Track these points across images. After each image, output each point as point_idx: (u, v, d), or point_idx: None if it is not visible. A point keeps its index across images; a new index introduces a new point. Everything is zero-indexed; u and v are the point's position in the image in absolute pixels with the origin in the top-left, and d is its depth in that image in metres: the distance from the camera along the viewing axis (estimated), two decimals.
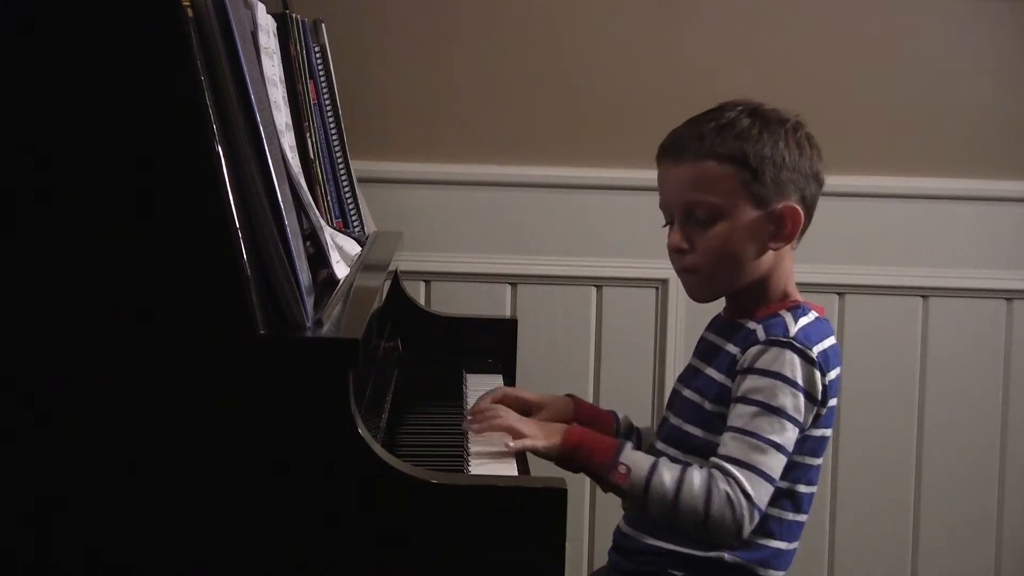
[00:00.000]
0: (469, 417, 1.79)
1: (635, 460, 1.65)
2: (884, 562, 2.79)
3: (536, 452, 1.69)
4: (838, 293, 2.74)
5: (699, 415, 1.73)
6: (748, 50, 2.70)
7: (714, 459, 1.64)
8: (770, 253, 1.73)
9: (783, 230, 1.72)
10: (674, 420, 1.79)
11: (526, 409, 1.88)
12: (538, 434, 1.68)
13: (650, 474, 1.63)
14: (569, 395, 1.95)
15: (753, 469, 1.62)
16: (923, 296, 2.75)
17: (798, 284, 1.79)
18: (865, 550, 2.79)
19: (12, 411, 1.36)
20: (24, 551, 1.37)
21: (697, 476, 1.61)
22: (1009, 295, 2.75)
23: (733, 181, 1.71)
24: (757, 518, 1.62)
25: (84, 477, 1.36)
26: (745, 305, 1.77)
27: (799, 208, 1.72)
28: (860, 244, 2.73)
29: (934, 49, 2.72)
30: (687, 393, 1.78)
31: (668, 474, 1.62)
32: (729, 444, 1.64)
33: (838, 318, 2.73)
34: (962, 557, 2.79)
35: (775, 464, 1.63)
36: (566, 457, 1.67)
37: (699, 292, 1.79)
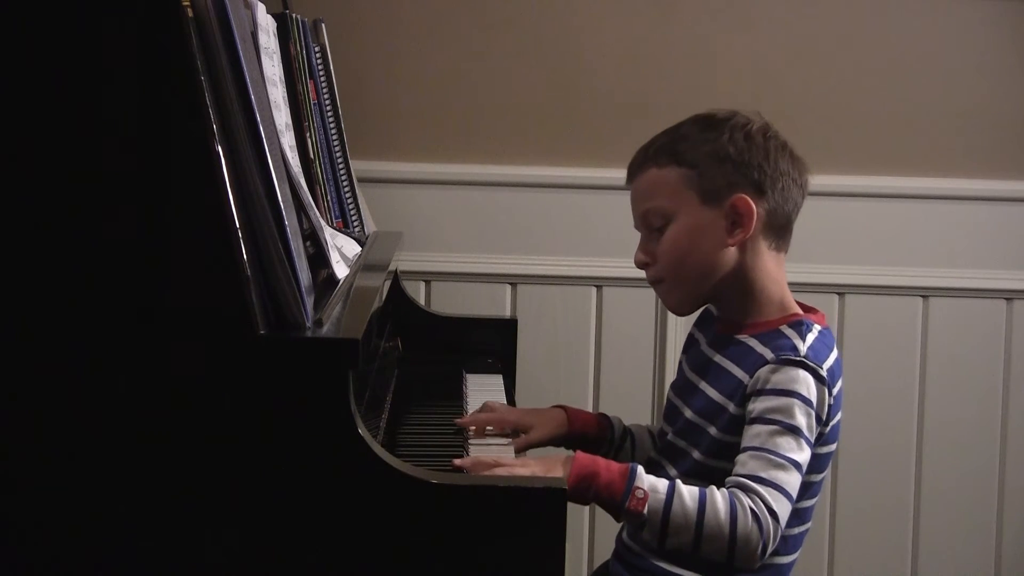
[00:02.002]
0: (461, 458, 1.61)
1: (652, 484, 1.55)
2: (884, 562, 2.79)
3: None
4: (838, 293, 2.74)
5: (705, 440, 1.70)
6: (747, 50, 2.70)
7: (733, 479, 1.59)
8: (733, 251, 1.72)
9: (738, 223, 1.71)
10: (676, 441, 1.76)
11: (517, 432, 1.83)
12: (540, 471, 1.53)
13: (669, 496, 1.54)
14: (560, 406, 1.90)
15: (775, 486, 1.57)
16: (923, 296, 2.75)
17: (799, 284, 1.79)
18: (865, 550, 2.79)
19: (11, 411, 1.36)
20: (22, 552, 1.37)
21: (719, 495, 1.55)
22: (1009, 295, 2.75)
23: (675, 182, 1.72)
24: (780, 534, 1.56)
25: (83, 477, 1.36)
26: (735, 314, 1.76)
27: (750, 199, 1.70)
28: (860, 244, 2.73)
29: (933, 49, 2.72)
30: (690, 415, 1.74)
31: (688, 495, 1.55)
32: (748, 463, 1.59)
33: (838, 318, 2.73)
34: (962, 557, 2.79)
35: (794, 482, 1.59)
36: (576, 491, 1.54)
37: (673, 302, 1.78)
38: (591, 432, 1.90)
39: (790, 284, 1.78)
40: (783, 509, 1.57)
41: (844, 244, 2.71)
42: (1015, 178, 2.74)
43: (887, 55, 2.72)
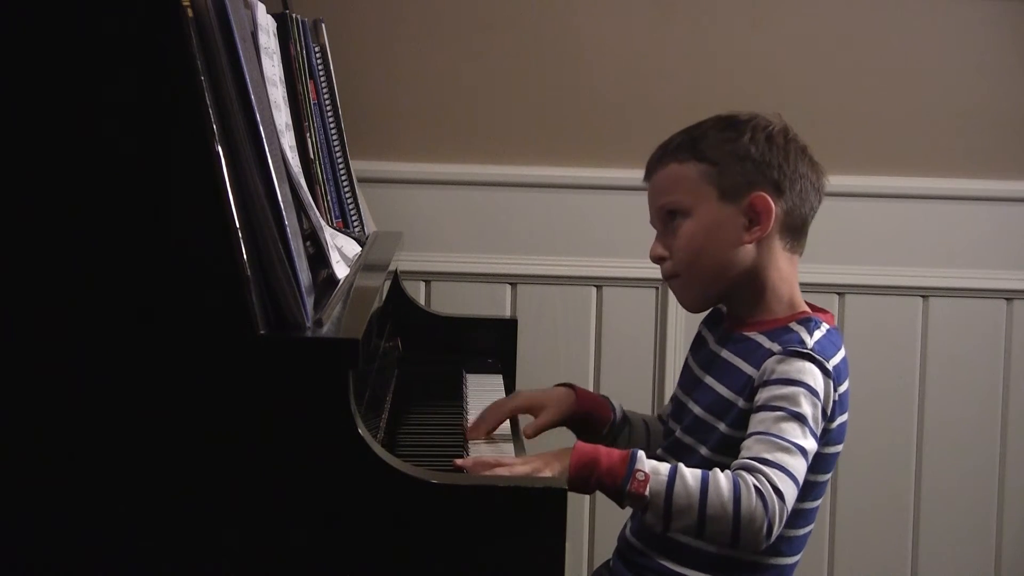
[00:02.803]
0: (462, 459, 1.60)
1: (653, 466, 1.55)
2: (884, 562, 2.79)
3: None
4: (838, 293, 2.74)
5: (713, 436, 1.70)
6: (748, 50, 2.70)
7: (737, 462, 1.58)
8: (750, 248, 1.72)
9: (756, 221, 1.71)
10: (683, 437, 1.76)
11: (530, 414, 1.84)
12: (542, 467, 1.54)
13: (671, 477, 1.54)
14: (567, 384, 1.90)
15: (779, 467, 1.56)
16: (923, 296, 2.75)
17: (799, 284, 1.79)
18: (865, 550, 2.79)
19: (11, 411, 1.36)
20: (22, 552, 1.37)
21: (723, 475, 1.55)
22: (1009, 295, 2.75)
23: (695, 178, 1.72)
24: (785, 517, 1.55)
25: (83, 477, 1.36)
26: (745, 312, 1.76)
27: (769, 197, 1.71)
28: (860, 244, 2.73)
29: (933, 49, 2.72)
30: (699, 412, 1.74)
31: (691, 476, 1.54)
32: (753, 447, 1.59)
33: (838, 318, 2.73)
34: (962, 557, 2.79)
35: (800, 467, 1.58)
36: (577, 478, 1.55)
37: (687, 298, 1.79)
38: (596, 411, 1.90)
39: None
40: (789, 490, 1.56)
41: (844, 244, 2.71)
42: (1015, 178, 2.74)
43: (887, 55, 2.72)
